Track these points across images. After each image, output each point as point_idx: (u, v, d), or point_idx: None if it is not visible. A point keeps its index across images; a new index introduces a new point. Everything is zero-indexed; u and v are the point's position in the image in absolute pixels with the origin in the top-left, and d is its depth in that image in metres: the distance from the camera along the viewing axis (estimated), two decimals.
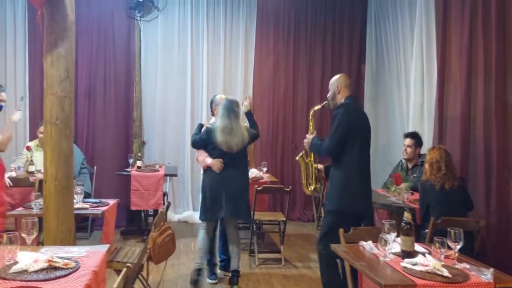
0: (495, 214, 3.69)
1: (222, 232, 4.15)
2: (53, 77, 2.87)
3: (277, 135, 6.67)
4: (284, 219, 4.70)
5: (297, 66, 6.71)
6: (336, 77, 3.41)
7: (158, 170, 5.40)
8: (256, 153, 6.50)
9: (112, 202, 3.67)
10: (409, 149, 4.49)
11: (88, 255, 2.13)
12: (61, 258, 1.99)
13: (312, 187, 3.58)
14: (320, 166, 3.67)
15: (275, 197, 6.40)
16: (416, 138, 4.53)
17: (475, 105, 4.07)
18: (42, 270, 1.88)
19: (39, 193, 3.35)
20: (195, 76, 6.46)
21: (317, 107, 3.59)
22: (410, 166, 4.54)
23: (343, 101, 3.28)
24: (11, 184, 4.27)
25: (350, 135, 3.13)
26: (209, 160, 3.75)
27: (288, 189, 4.52)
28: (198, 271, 3.90)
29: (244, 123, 3.88)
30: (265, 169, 5.32)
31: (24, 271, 1.86)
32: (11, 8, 5.91)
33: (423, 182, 3.52)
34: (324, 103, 3.51)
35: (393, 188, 4.00)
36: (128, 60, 6.18)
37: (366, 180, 3.27)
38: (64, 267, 1.92)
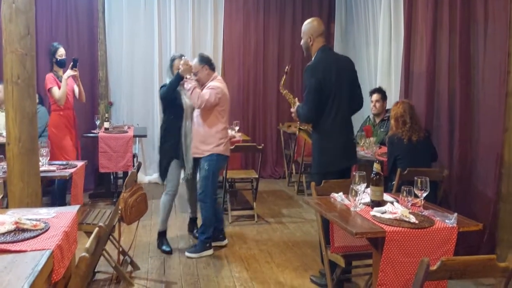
0: (457, 164, 3.83)
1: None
2: (12, 33, 2.72)
3: (248, 95, 6.64)
4: (257, 176, 4.75)
5: (267, 25, 6.62)
6: (308, 22, 3.14)
7: (126, 132, 5.29)
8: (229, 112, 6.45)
9: (80, 164, 3.59)
10: (377, 104, 4.57)
11: (58, 216, 2.09)
12: (29, 219, 1.94)
13: None
14: None
15: (247, 156, 6.44)
16: (381, 92, 4.62)
17: (440, 60, 4.13)
18: (9, 232, 1.83)
19: (1, 156, 3.22)
20: (162, 35, 6.28)
21: (283, 79, 3.41)
22: (377, 120, 4.64)
23: (315, 55, 3.10)
24: None
25: (322, 96, 3.00)
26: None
27: (260, 147, 4.54)
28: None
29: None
30: (237, 127, 5.30)
31: None
32: None
33: (390, 136, 3.60)
34: (286, 69, 3.42)
35: (362, 142, 4.08)
36: (91, 17, 5.89)
37: (344, 134, 3.12)
38: (33, 228, 1.87)
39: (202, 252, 3.74)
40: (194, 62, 3.76)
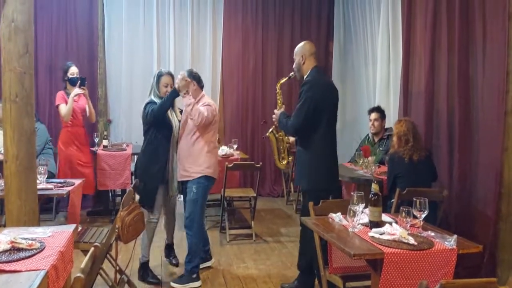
0: (457, 184, 3.82)
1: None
2: (11, 52, 2.73)
3: (246, 112, 6.65)
4: (255, 195, 4.73)
5: (266, 43, 6.67)
6: (300, 45, 3.27)
7: (125, 149, 5.28)
8: (226, 130, 6.48)
9: (77, 182, 3.57)
10: (376, 123, 4.58)
11: (54, 235, 2.07)
12: (25, 239, 1.92)
13: (285, 161, 3.52)
14: (292, 139, 3.62)
15: (245, 174, 6.42)
16: (380, 111, 4.63)
17: (438, 80, 4.16)
18: (4, 252, 1.81)
19: None
20: (161, 53, 6.32)
21: (283, 80, 3.50)
22: (376, 139, 4.64)
23: (308, 74, 3.17)
24: None
25: (316, 112, 3.04)
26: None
27: (258, 166, 4.54)
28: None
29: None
30: (235, 146, 5.30)
31: None
32: None
33: (392, 154, 3.59)
34: (291, 74, 3.40)
35: (361, 161, 4.08)
36: (91, 35, 5.95)
37: (333, 155, 3.26)
38: (28, 248, 1.85)
39: (187, 284, 3.48)
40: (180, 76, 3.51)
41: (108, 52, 6.13)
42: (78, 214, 3.66)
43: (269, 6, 6.63)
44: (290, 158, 3.49)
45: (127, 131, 6.25)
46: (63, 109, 4.46)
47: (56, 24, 5.81)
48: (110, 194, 5.54)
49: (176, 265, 3.85)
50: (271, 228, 5.05)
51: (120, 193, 5.53)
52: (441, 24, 4.09)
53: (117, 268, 3.27)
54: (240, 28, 6.55)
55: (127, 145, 5.56)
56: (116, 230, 3.04)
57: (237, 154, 5.19)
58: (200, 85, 3.62)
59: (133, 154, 5.32)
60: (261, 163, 4.68)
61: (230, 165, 4.44)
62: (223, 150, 5.11)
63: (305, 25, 6.78)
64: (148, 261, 3.69)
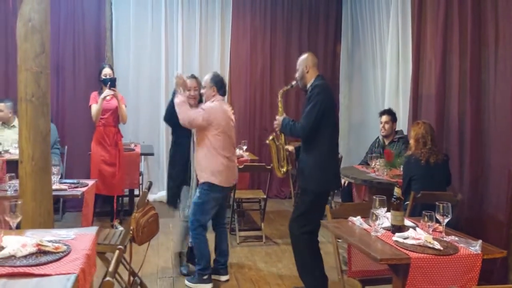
0: (468, 188, 3.81)
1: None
2: (28, 51, 2.71)
3: (254, 114, 6.64)
4: (265, 196, 4.72)
5: (274, 45, 6.66)
6: (304, 56, 3.36)
7: (133, 149, 5.27)
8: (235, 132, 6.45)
9: (90, 182, 3.56)
10: (387, 125, 4.57)
11: (77, 238, 2.05)
12: (49, 241, 1.90)
13: (284, 169, 3.48)
14: (291, 148, 3.59)
15: (253, 175, 6.40)
16: (391, 114, 4.62)
17: (449, 83, 4.15)
18: (31, 255, 1.79)
19: (12, 174, 3.19)
20: (169, 54, 6.30)
21: (285, 88, 3.51)
22: (387, 142, 4.63)
23: (313, 80, 3.24)
24: None
25: (325, 115, 3.12)
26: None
27: (269, 167, 4.52)
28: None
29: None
30: (245, 147, 5.29)
31: (12, 257, 1.76)
32: None
33: (408, 156, 3.57)
34: (292, 83, 3.43)
35: (373, 164, 4.07)
36: (98, 36, 5.91)
37: (336, 157, 3.43)
38: (55, 251, 1.83)
39: (198, 284, 3.49)
40: (206, 77, 3.57)
41: (115, 53, 6.10)
42: (92, 215, 3.65)
43: (277, 9, 6.63)
44: (289, 167, 3.45)
45: (134, 131, 6.22)
46: (93, 109, 4.55)
47: (64, 25, 5.77)
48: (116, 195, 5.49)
49: (186, 274, 3.76)
50: (280, 230, 5.03)
51: (127, 193, 5.50)
52: (453, 28, 4.09)
53: (130, 270, 3.26)
54: (248, 30, 6.54)
55: (135, 145, 5.54)
56: (131, 232, 3.03)
57: (246, 156, 5.18)
58: (221, 92, 3.56)
59: (141, 154, 5.31)
60: (271, 164, 4.66)
61: (241, 166, 4.43)
62: None
63: (313, 27, 6.78)
64: (180, 252, 3.85)
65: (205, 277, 3.50)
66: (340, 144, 3.78)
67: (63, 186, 3.30)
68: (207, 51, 6.43)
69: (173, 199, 3.75)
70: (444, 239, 2.26)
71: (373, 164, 4.08)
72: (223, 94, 3.60)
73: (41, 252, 1.82)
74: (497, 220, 3.55)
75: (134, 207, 5.16)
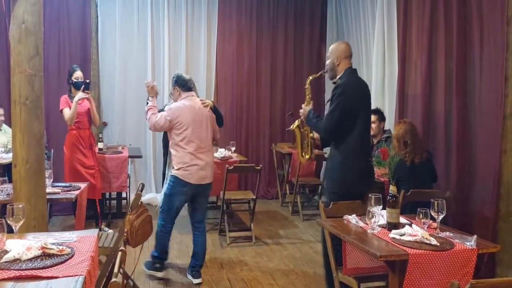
0: (454, 186, 3.90)
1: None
2: (21, 54, 2.68)
3: (241, 115, 6.66)
4: (254, 197, 4.75)
5: (260, 45, 6.70)
6: (336, 45, 3.21)
7: (121, 152, 5.23)
8: (222, 132, 6.45)
9: (83, 185, 3.52)
10: (373, 125, 4.60)
11: (80, 240, 2.04)
12: (53, 244, 1.89)
13: (307, 156, 3.42)
14: (316, 135, 3.54)
15: (240, 176, 6.42)
16: (378, 113, 4.67)
17: (435, 82, 4.24)
18: (36, 258, 1.78)
19: (5, 178, 3.15)
20: (155, 55, 6.28)
21: (314, 76, 3.38)
22: (374, 142, 4.70)
23: (342, 74, 3.11)
24: None
25: (349, 116, 3.00)
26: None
27: (258, 168, 4.56)
28: None
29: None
30: (233, 148, 5.31)
31: (17, 260, 1.75)
32: None
33: (393, 157, 3.63)
34: (322, 71, 3.34)
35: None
36: (84, 37, 5.85)
37: (366, 160, 3.13)
38: (59, 253, 1.82)
39: (149, 270, 3.70)
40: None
41: (101, 54, 6.05)
42: (84, 218, 3.62)
43: (263, 9, 6.68)
44: (313, 154, 3.39)
45: (121, 134, 6.18)
46: (67, 113, 4.39)
47: (48, 26, 5.67)
48: (104, 198, 5.44)
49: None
50: (270, 230, 5.07)
51: (115, 196, 5.45)
52: (438, 28, 4.17)
53: (124, 273, 3.25)
54: (235, 30, 6.56)
55: (123, 148, 5.50)
56: (125, 234, 3.02)
57: (235, 157, 5.20)
58: (184, 88, 3.62)
59: (129, 156, 5.27)
60: (261, 165, 4.71)
61: (230, 168, 4.45)
62: (221, 152, 5.13)
63: (298, 27, 6.85)
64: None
65: (158, 265, 3.68)
66: None
67: (55, 190, 3.26)
68: (193, 51, 6.43)
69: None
70: (440, 235, 2.33)
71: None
72: (189, 89, 3.64)
73: (45, 255, 1.81)
74: (483, 216, 3.65)
75: (122, 209, 5.23)
